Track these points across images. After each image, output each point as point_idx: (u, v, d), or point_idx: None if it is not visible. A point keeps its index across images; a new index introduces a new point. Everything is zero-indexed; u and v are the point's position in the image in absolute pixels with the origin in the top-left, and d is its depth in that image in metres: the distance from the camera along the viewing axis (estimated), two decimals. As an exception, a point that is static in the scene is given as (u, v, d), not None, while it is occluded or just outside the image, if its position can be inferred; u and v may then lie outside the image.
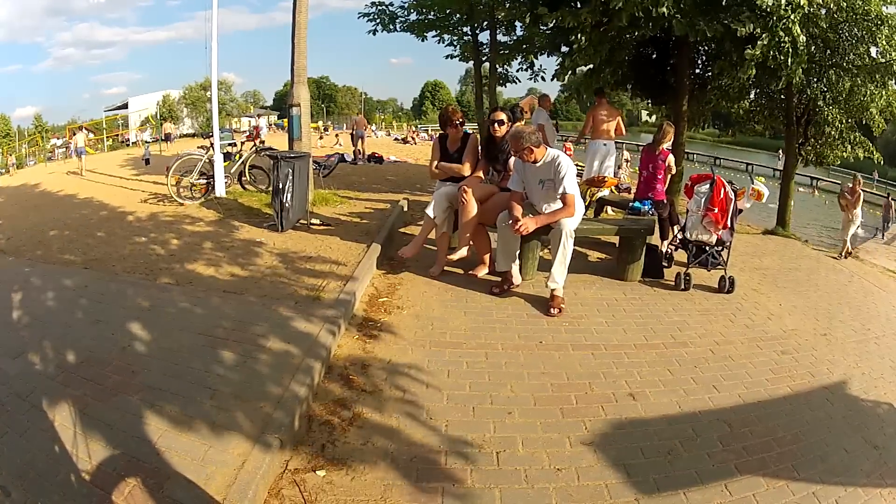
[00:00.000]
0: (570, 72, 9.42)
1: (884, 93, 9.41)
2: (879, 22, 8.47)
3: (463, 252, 4.58)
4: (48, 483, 2.17)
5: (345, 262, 4.77)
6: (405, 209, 7.18)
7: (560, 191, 4.17)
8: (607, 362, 3.54)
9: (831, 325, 4.84)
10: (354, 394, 2.94)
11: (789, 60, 7.09)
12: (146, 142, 23.56)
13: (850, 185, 10.13)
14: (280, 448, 2.37)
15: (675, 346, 3.92)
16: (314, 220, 6.10)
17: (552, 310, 4.17)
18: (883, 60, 8.88)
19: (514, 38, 12.49)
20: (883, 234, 20.21)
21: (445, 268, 4.82)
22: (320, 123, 39.68)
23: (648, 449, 2.70)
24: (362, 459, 2.44)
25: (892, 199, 22.33)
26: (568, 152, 8.25)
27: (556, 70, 9.70)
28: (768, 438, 2.94)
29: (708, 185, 5.09)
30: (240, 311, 3.74)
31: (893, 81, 9.29)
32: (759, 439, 2.91)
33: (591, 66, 9.18)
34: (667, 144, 6.03)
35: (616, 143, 8.43)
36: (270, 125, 28.90)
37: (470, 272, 4.77)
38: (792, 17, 6.84)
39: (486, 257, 4.78)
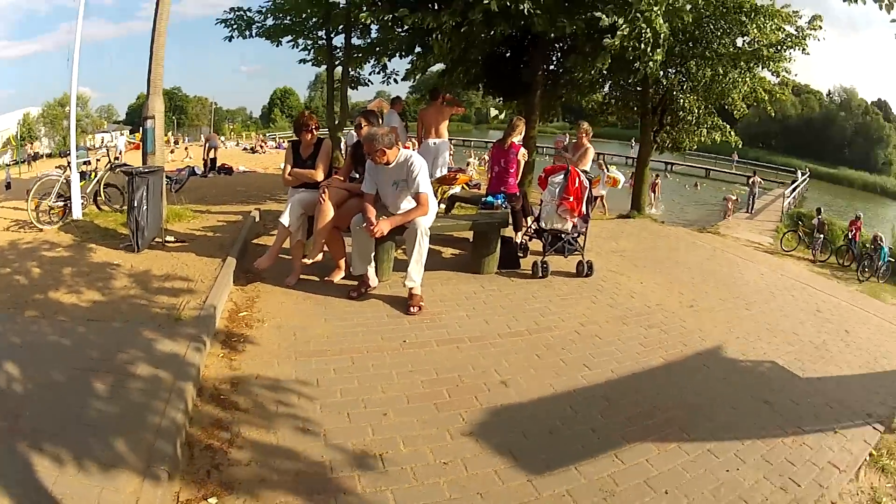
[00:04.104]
0: (421, 72, 9.40)
1: (747, 78, 10.02)
2: (753, 13, 8.96)
3: (318, 257, 4.53)
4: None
5: (202, 279, 4.55)
6: (257, 220, 7.00)
7: (413, 190, 4.23)
8: (473, 354, 3.61)
9: (697, 296, 5.22)
10: (229, 413, 2.81)
11: (649, 49, 7.18)
12: (7, 165, 21.04)
13: (574, 140, 7.21)
14: (169, 480, 2.23)
15: (540, 331, 4.06)
16: (168, 238, 5.75)
17: (412, 308, 4.20)
18: (749, 49, 9.46)
19: (369, 41, 12.41)
20: (750, 209, 22.38)
21: (302, 276, 4.70)
22: (170, 135, 37.23)
23: (530, 432, 2.79)
24: (249, 481, 2.33)
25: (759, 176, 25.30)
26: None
27: (407, 70, 9.73)
28: (649, 406, 3.13)
29: (562, 176, 5.30)
30: (106, 338, 3.43)
31: (760, 67, 9.85)
32: (640, 408, 3.10)
33: (444, 65, 9.18)
34: (517, 138, 6.07)
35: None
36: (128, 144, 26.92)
37: (326, 278, 4.66)
38: (655, 9, 6.95)
39: (342, 262, 4.71)
